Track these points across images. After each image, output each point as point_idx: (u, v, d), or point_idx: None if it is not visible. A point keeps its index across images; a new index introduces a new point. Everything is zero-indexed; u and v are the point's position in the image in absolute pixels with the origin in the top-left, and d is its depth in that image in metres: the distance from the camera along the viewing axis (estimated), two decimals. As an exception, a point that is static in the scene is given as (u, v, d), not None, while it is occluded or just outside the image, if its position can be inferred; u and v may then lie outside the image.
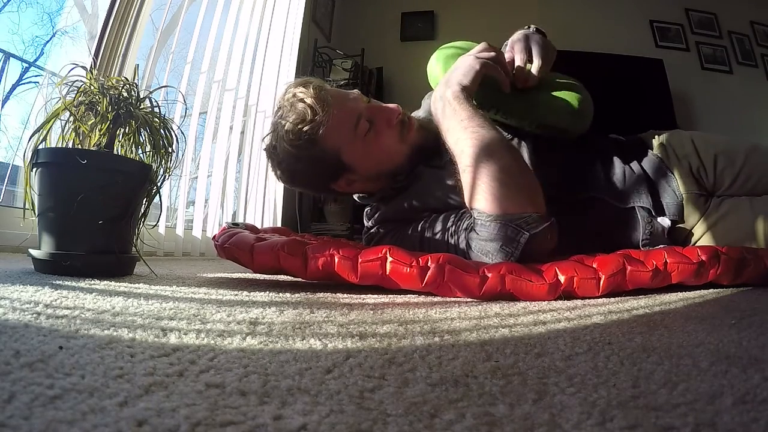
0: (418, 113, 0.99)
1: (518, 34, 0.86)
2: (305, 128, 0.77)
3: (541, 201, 0.68)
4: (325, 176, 0.85)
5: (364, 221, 0.92)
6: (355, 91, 0.87)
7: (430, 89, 0.94)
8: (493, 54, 0.80)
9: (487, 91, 0.81)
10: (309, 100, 0.77)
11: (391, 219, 0.83)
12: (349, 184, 0.87)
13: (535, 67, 0.82)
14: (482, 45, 0.81)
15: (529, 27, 0.89)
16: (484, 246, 0.67)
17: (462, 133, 0.72)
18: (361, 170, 0.84)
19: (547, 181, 0.75)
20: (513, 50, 0.84)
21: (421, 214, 0.80)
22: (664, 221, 0.80)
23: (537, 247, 0.66)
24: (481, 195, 0.67)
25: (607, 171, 0.84)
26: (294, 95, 0.79)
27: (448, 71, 0.81)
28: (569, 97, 0.85)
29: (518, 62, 0.83)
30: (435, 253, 0.72)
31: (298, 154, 0.80)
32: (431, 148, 0.83)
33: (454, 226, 0.73)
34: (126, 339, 0.32)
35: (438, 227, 0.75)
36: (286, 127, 0.79)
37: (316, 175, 0.86)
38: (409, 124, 0.85)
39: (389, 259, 0.63)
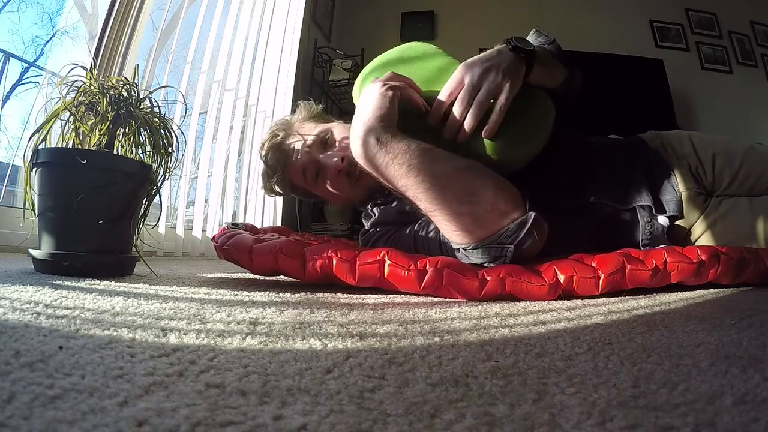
0: None
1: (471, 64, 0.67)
2: (276, 179, 0.95)
3: (514, 206, 0.64)
4: (311, 199, 1.04)
5: (363, 221, 0.92)
6: (318, 131, 0.92)
7: None
8: (401, 80, 0.72)
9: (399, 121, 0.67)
10: (265, 166, 0.96)
11: (388, 222, 0.84)
12: (330, 205, 1.06)
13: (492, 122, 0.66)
14: (388, 74, 0.73)
15: (509, 41, 0.69)
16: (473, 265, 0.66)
17: (405, 179, 0.63)
18: (332, 202, 0.99)
19: (545, 188, 0.74)
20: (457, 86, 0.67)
21: (414, 217, 0.80)
22: (664, 220, 0.80)
23: (526, 251, 0.65)
24: (452, 233, 0.65)
25: (607, 173, 0.83)
26: (261, 147, 0.97)
27: (358, 107, 0.70)
28: (510, 130, 0.69)
29: (457, 112, 0.67)
30: (428, 251, 0.72)
31: (287, 191, 1.00)
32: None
33: None
34: (126, 339, 0.32)
35: (432, 226, 0.75)
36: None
37: (306, 198, 1.04)
38: (360, 174, 0.85)
39: (387, 262, 0.63)
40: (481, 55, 0.69)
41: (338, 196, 0.92)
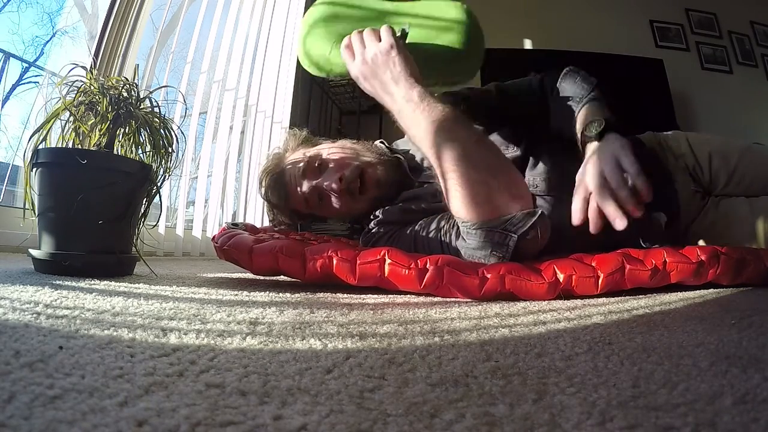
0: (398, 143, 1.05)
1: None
2: (281, 211, 0.98)
3: (524, 195, 0.66)
4: (317, 220, 1.04)
5: (363, 224, 0.92)
6: (309, 157, 0.90)
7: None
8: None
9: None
10: (267, 204, 0.99)
11: (391, 222, 0.84)
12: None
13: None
14: (368, 31, 0.74)
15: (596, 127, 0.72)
16: (474, 254, 0.66)
17: (433, 137, 0.67)
18: (337, 217, 1.01)
19: (544, 184, 0.74)
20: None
21: (417, 216, 0.80)
22: (661, 216, 0.80)
23: (528, 244, 0.65)
24: (461, 203, 0.65)
25: None
26: (260, 184, 0.98)
27: (377, 68, 0.71)
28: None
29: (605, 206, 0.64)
30: (429, 251, 0.72)
31: (295, 220, 1.02)
32: (398, 186, 0.88)
33: (447, 225, 0.73)
34: (126, 339, 0.32)
35: (432, 226, 0.75)
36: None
37: (313, 221, 1.07)
38: (363, 187, 0.88)
39: (388, 261, 0.63)
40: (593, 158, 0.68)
41: (345, 212, 0.93)
